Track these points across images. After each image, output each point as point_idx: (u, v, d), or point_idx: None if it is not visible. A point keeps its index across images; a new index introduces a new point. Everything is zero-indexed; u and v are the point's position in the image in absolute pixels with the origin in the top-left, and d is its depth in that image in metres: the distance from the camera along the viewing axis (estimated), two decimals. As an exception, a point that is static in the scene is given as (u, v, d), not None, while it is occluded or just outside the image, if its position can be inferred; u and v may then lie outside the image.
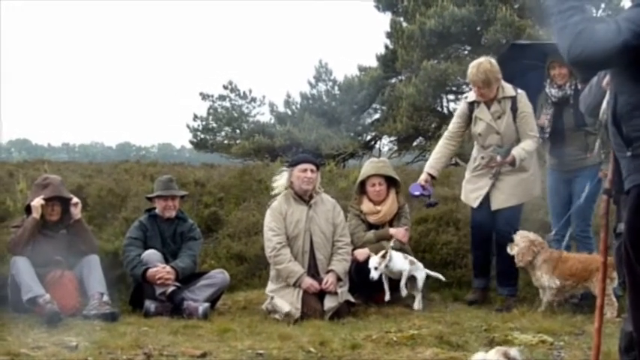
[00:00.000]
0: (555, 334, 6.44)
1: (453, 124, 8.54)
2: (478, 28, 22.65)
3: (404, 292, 7.99)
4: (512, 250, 7.69)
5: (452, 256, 9.26)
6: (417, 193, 8.29)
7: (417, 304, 7.95)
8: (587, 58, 3.37)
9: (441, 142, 8.62)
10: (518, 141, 8.09)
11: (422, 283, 8.08)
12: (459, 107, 8.60)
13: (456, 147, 8.73)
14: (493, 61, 8.13)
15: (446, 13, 21.55)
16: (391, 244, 8.06)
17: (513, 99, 8.08)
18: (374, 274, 7.81)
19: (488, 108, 8.15)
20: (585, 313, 7.16)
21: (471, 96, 8.34)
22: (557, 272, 7.50)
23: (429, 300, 8.06)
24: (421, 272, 8.12)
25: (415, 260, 8.18)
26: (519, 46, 9.01)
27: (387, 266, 7.89)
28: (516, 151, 7.94)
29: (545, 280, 7.53)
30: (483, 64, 7.99)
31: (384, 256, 7.83)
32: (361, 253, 8.15)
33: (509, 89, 8.12)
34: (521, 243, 7.65)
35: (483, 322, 6.95)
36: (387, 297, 7.99)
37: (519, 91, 8.14)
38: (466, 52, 23.72)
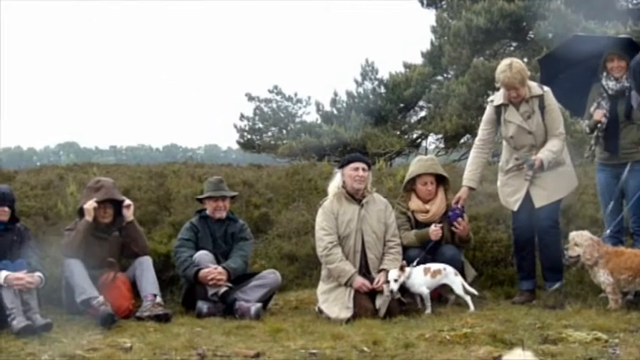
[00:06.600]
0: (610, 332, 6.36)
1: (482, 131, 8.38)
2: (524, 24, 22.40)
3: (428, 309, 7.75)
4: (574, 251, 7.59)
5: (503, 254, 9.22)
6: (456, 216, 8.18)
7: (471, 307, 7.70)
8: None
9: (473, 152, 8.47)
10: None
11: (459, 290, 7.80)
12: (485, 112, 8.39)
13: (488, 154, 8.65)
14: (518, 60, 8.06)
15: (494, 8, 21.33)
16: (414, 263, 7.85)
17: (540, 97, 7.99)
18: (393, 286, 7.61)
19: (517, 109, 8.05)
20: (640, 310, 7.08)
21: (498, 99, 8.19)
22: (610, 266, 7.42)
23: (481, 298, 7.98)
24: (455, 279, 7.83)
25: (445, 270, 7.84)
26: (580, 38, 8.94)
27: (405, 283, 7.74)
28: (543, 155, 7.84)
29: (601, 275, 7.46)
30: (514, 64, 7.89)
31: (402, 269, 7.69)
32: (434, 231, 8.07)
33: (535, 88, 8.04)
34: (584, 243, 7.53)
35: (537, 320, 6.87)
36: (428, 310, 7.74)
37: (545, 88, 8.05)
38: (512, 49, 23.47)
